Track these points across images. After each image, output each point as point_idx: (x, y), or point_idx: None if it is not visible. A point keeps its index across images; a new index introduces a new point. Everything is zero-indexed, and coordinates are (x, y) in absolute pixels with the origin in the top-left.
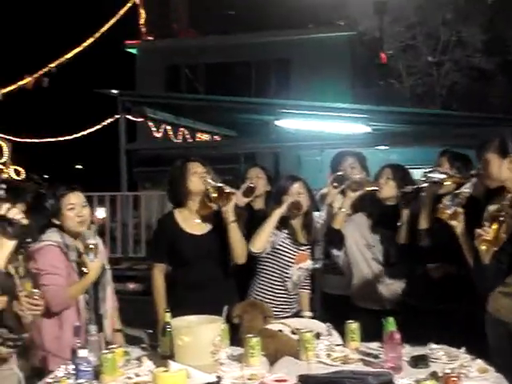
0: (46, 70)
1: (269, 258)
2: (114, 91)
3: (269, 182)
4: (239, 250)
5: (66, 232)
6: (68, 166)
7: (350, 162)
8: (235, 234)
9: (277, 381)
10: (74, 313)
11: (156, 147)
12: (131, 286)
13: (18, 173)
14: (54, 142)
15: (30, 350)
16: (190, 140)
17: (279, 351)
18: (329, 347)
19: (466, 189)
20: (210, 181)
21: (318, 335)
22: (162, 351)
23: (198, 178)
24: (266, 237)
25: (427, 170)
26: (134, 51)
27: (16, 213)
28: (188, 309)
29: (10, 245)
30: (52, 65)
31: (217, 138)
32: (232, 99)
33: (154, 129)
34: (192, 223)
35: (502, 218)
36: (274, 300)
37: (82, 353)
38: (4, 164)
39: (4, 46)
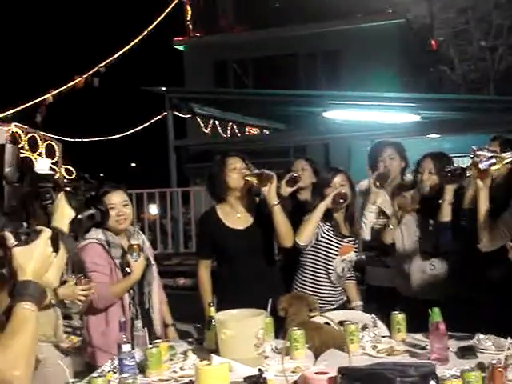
0: (95, 70)
1: (312, 251)
2: (162, 88)
3: (315, 174)
4: (284, 232)
5: (109, 230)
6: (123, 164)
7: (388, 153)
8: (279, 216)
9: (317, 373)
10: (119, 309)
11: (205, 143)
12: (181, 281)
13: (69, 172)
14: (104, 140)
15: (82, 346)
16: (239, 135)
17: (325, 344)
18: (374, 339)
19: (510, 157)
20: (251, 170)
21: (364, 327)
22: (207, 345)
23: (238, 174)
24: (312, 229)
25: (475, 148)
26: (181, 48)
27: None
28: (233, 303)
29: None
30: (101, 64)
31: (266, 131)
32: (279, 92)
33: (202, 125)
34: (234, 218)
35: None
36: (318, 292)
37: (126, 347)
38: (56, 164)
39: (54, 48)
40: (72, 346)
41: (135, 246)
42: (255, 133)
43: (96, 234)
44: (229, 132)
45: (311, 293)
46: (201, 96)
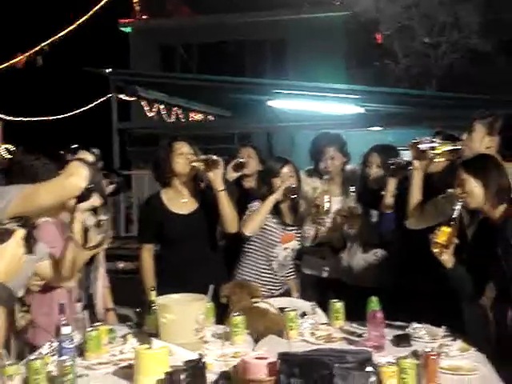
0: (38, 48)
1: (255, 238)
2: (106, 70)
3: (260, 162)
4: (230, 218)
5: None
6: (65, 145)
7: (330, 154)
8: (225, 202)
9: (257, 358)
10: (64, 291)
11: (149, 126)
12: (121, 264)
13: (9, 151)
14: (47, 120)
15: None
16: (183, 120)
17: (269, 329)
18: (313, 326)
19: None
20: (198, 156)
21: (303, 314)
22: (147, 329)
23: (184, 159)
24: (260, 221)
25: (415, 140)
26: (127, 30)
27: None
28: (176, 287)
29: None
30: (45, 43)
31: (210, 117)
32: (225, 79)
33: (146, 108)
34: (178, 203)
35: (452, 222)
36: (259, 280)
37: (66, 330)
38: None
39: None
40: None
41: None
42: (199, 118)
43: None
44: (173, 117)
45: (252, 279)
46: (146, 79)
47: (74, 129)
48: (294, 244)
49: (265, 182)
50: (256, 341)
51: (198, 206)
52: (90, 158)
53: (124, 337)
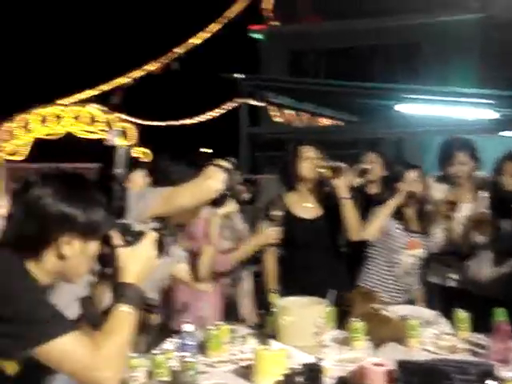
0: (173, 55)
1: (378, 243)
2: (236, 75)
3: (385, 168)
4: (353, 226)
5: None
6: (194, 148)
7: (460, 160)
8: (349, 209)
9: (375, 364)
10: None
11: (278, 131)
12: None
13: (145, 154)
14: (179, 125)
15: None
16: (312, 125)
17: (389, 336)
18: (436, 335)
19: None
20: (323, 162)
21: (427, 323)
22: (267, 331)
23: (310, 164)
24: (380, 225)
25: None
26: (258, 36)
27: None
28: (297, 291)
29: None
30: (179, 50)
31: (339, 123)
32: (353, 84)
33: (274, 113)
34: (301, 207)
35: None
36: (382, 286)
37: (188, 328)
38: (131, 146)
39: (136, 32)
40: None
41: None
42: (328, 124)
43: None
44: (301, 122)
45: (375, 286)
46: (275, 84)
47: (203, 133)
48: (421, 252)
49: (388, 187)
50: (376, 347)
51: (322, 212)
52: (227, 164)
53: (244, 337)
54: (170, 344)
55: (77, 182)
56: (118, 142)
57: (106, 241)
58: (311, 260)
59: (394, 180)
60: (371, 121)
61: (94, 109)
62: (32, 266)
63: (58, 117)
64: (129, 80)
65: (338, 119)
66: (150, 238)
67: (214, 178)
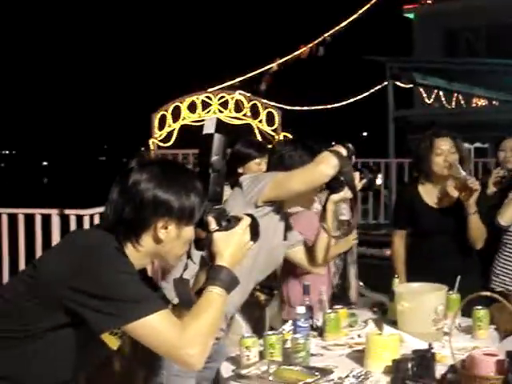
0: (321, 39)
1: None
2: (382, 58)
3: None
4: (476, 238)
5: None
6: (353, 133)
7: None
8: (474, 224)
9: (486, 354)
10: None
11: (426, 113)
12: (387, 251)
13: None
14: (323, 109)
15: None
16: (465, 106)
17: None
18: None
19: None
20: (458, 170)
21: None
22: (389, 316)
23: (443, 160)
24: None
25: None
26: (411, 16)
27: None
28: (424, 277)
29: None
30: (327, 34)
31: (495, 103)
32: (509, 62)
33: (425, 95)
34: (433, 196)
35: None
36: None
37: (300, 310)
38: (275, 131)
39: (281, 18)
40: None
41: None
42: (483, 104)
43: None
44: (454, 103)
45: (510, 272)
46: (423, 65)
47: (351, 117)
48: None
49: None
50: (502, 337)
51: (453, 201)
52: (342, 150)
53: (365, 322)
54: (288, 326)
55: (173, 169)
56: (212, 129)
57: (201, 225)
58: (439, 248)
59: None
60: None
61: (240, 95)
62: (129, 249)
63: (206, 104)
64: (275, 66)
65: (494, 99)
66: (246, 223)
67: (326, 163)
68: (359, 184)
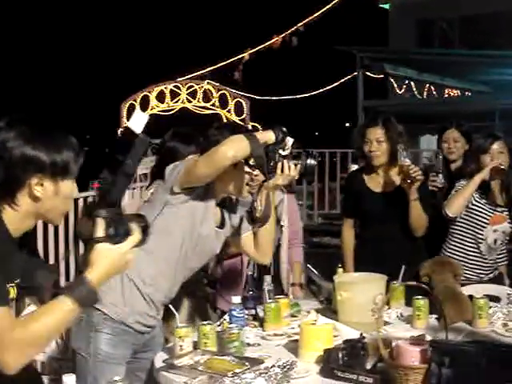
0: (294, 29)
1: (462, 218)
2: (353, 47)
3: (467, 141)
4: (418, 225)
5: None
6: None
7: None
8: (416, 211)
9: (412, 344)
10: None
11: (394, 104)
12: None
13: (255, 130)
14: (291, 99)
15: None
16: (437, 96)
17: (457, 316)
18: (508, 316)
19: None
20: (401, 157)
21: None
22: (333, 306)
23: (369, 150)
24: (464, 201)
25: None
26: (386, 6)
27: None
28: (369, 264)
29: None
30: (300, 24)
31: (467, 93)
32: (484, 53)
33: (395, 85)
34: (375, 181)
35: None
36: (466, 262)
37: (235, 299)
38: (243, 121)
39: (253, 7)
40: None
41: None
42: (456, 95)
43: None
44: (425, 94)
45: (459, 262)
46: (393, 56)
47: (323, 107)
48: (506, 226)
49: (472, 159)
50: (441, 326)
51: (396, 186)
52: (269, 134)
53: (308, 311)
54: (227, 316)
55: (42, 125)
56: (139, 128)
57: (91, 216)
58: (384, 233)
59: (477, 152)
60: (504, 91)
61: (209, 85)
62: (7, 211)
63: (174, 93)
64: (246, 56)
65: (466, 90)
66: (133, 240)
67: (229, 145)
68: (294, 171)
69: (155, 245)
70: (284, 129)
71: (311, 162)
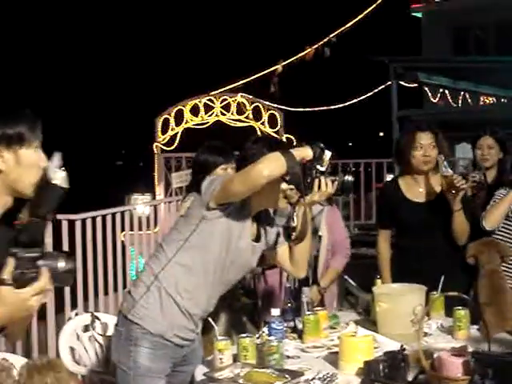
0: (326, 40)
1: (502, 227)
2: (385, 57)
3: (501, 150)
4: (460, 233)
5: None
6: (344, 132)
7: None
8: (458, 220)
9: (454, 355)
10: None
11: (430, 113)
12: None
13: (290, 141)
14: (327, 110)
15: None
16: (472, 104)
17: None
18: None
19: None
20: (443, 167)
21: None
22: (371, 317)
23: (421, 156)
24: (501, 215)
25: None
26: (419, 15)
27: None
28: (408, 276)
29: None
30: (332, 34)
31: (504, 100)
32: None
33: (430, 94)
34: (416, 190)
35: None
36: (507, 273)
37: (275, 312)
38: (277, 133)
39: (286, 19)
40: None
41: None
42: (491, 102)
43: None
44: (460, 102)
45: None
46: (427, 64)
47: (357, 117)
48: None
49: (506, 170)
50: (483, 336)
51: (436, 195)
52: (307, 151)
53: (347, 323)
54: (266, 329)
55: None
56: (56, 176)
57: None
58: (422, 244)
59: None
60: None
61: (242, 97)
62: None
63: (209, 106)
64: (280, 68)
65: (503, 97)
66: (38, 286)
67: (265, 163)
68: (331, 187)
69: (192, 259)
70: (321, 144)
71: (348, 178)
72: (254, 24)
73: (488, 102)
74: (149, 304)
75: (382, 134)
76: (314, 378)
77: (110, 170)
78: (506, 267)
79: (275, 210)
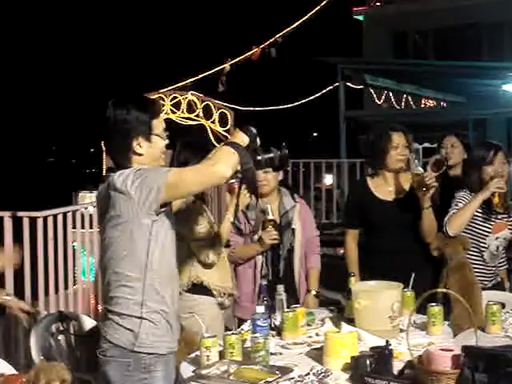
0: (272, 40)
1: (465, 229)
2: (333, 59)
3: (465, 150)
4: (427, 232)
5: None
6: (300, 134)
7: None
8: (427, 218)
9: (442, 349)
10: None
11: (375, 114)
12: (341, 251)
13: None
14: (276, 110)
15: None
16: (414, 107)
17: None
18: None
19: None
20: (415, 165)
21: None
22: (346, 314)
23: (397, 154)
24: (465, 221)
25: None
26: (360, 18)
27: None
28: (377, 275)
29: None
30: (279, 35)
31: (443, 104)
32: (458, 63)
33: (375, 96)
34: (384, 190)
35: None
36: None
37: (259, 309)
38: (228, 131)
39: (232, 19)
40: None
41: (271, 223)
42: (432, 105)
43: None
44: (403, 104)
45: None
46: (374, 67)
47: (303, 117)
48: (507, 233)
49: (473, 169)
50: (455, 332)
51: (405, 194)
52: (242, 136)
53: (322, 320)
54: (247, 325)
55: None
56: None
57: None
58: (391, 242)
59: (479, 163)
60: (478, 101)
61: (193, 96)
62: None
63: None
64: (227, 67)
65: (442, 100)
66: None
67: (223, 163)
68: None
69: (161, 267)
70: (252, 128)
71: (285, 151)
72: (203, 23)
73: (429, 104)
74: (152, 329)
75: (315, 134)
76: (308, 374)
77: (41, 167)
78: (478, 264)
79: (248, 206)
